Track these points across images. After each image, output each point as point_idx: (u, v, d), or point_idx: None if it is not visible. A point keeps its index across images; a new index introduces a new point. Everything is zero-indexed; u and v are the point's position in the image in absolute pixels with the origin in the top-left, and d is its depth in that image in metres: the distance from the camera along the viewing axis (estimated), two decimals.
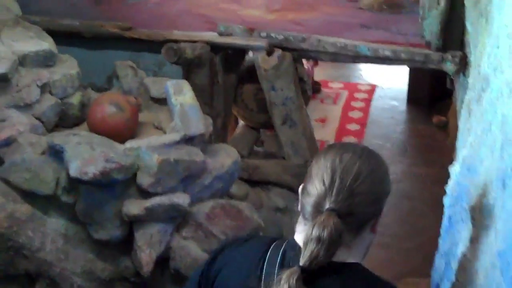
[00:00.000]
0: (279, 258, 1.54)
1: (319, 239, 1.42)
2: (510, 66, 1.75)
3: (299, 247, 1.48)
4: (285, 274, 1.41)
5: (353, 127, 6.85)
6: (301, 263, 1.42)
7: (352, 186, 1.50)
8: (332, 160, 1.54)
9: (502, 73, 1.85)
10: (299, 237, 1.56)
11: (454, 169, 2.30)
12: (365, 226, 1.57)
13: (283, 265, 1.52)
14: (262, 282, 1.51)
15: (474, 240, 1.84)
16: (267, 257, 1.56)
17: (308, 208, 1.54)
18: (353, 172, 1.51)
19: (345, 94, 7.82)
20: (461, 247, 1.99)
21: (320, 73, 7.97)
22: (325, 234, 1.42)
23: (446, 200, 2.33)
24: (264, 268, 1.54)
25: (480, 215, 1.80)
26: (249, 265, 1.57)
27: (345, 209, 1.48)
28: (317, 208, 1.50)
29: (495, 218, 1.65)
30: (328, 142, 6.45)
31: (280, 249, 1.57)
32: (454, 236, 2.14)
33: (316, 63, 7.47)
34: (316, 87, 7.72)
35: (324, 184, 1.51)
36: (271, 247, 1.58)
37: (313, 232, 1.43)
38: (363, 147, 1.63)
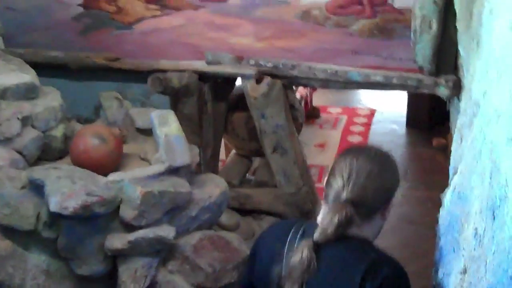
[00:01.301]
0: (300, 232, 1.95)
1: (331, 220, 1.84)
2: (498, 92, 1.69)
3: (317, 225, 1.91)
4: (302, 244, 1.87)
5: None
6: (314, 237, 1.86)
7: (365, 182, 1.89)
8: (350, 160, 1.93)
9: (490, 99, 1.79)
10: (319, 218, 1.95)
11: (445, 197, 2.25)
12: (375, 213, 1.95)
13: (303, 238, 1.92)
14: (285, 251, 1.91)
15: (464, 272, 1.78)
16: (291, 231, 1.96)
17: (330, 198, 1.93)
18: (366, 171, 1.90)
19: (344, 118, 7.81)
20: (453, 279, 1.94)
21: (318, 98, 7.97)
22: (336, 217, 1.84)
23: (438, 229, 2.28)
24: (288, 239, 1.94)
25: (469, 246, 1.74)
26: (277, 237, 1.99)
27: (358, 199, 1.88)
28: (337, 198, 1.90)
29: (484, 250, 1.59)
30: (328, 167, 6.38)
31: (302, 226, 1.98)
32: (446, 267, 2.10)
33: (314, 89, 7.46)
34: (315, 113, 7.72)
35: (343, 179, 1.90)
36: (295, 224, 2.00)
37: (329, 214, 1.87)
38: (376, 151, 2.03)
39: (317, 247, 1.86)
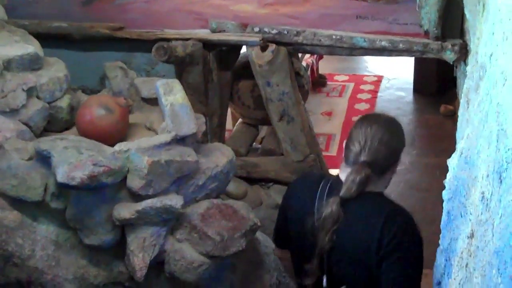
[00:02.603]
0: (327, 188, 2.32)
1: (353, 180, 2.23)
2: (504, 53, 1.66)
3: (342, 182, 2.29)
4: (330, 201, 2.25)
5: None
6: (340, 194, 2.24)
7: (378, 147, 2.28)
8: (365, 128, 2.30)
9: (496, 61, 1.77)
10: (342, 175, 2.33)
11: (452, 162, 2.24)
12: (387, 170, 2.35)
13: (330, 194, 2.29)
14: (316, 205, 2.30)
15: (472, 236, 1.78)
16: (320, 188, 2.33)
17: (350, 158, 2.31)
18: (379, 137, 2.28)
19: (351, 86, 7.77)
20: (460, 243, 1.93)
21: (325, 66, 7.92)
22: (358, 177, 2.23)
23: (445, 194, 2.26)
24: (317, 195, 2.32)
25: (476, 210, 1.73)
26: (307, 191, 2.38)
27: (373, 161, 2.27)
28: (356, 159, 2.29)
29: (492, 214, 1.58)
30: (335, 135, 6.42)
31: (329, 183, 2.34)
32: (454, 231, 2.08)
33: (321, 57, 7.41)
34: (322, 81, 7.68)
35: (360, 145, 2.28)
36: (323, 181, 2.36)
37: (351, 175, 2.25)
38: (386, 119, 2.42)
39: (343, 202, 2.24)
